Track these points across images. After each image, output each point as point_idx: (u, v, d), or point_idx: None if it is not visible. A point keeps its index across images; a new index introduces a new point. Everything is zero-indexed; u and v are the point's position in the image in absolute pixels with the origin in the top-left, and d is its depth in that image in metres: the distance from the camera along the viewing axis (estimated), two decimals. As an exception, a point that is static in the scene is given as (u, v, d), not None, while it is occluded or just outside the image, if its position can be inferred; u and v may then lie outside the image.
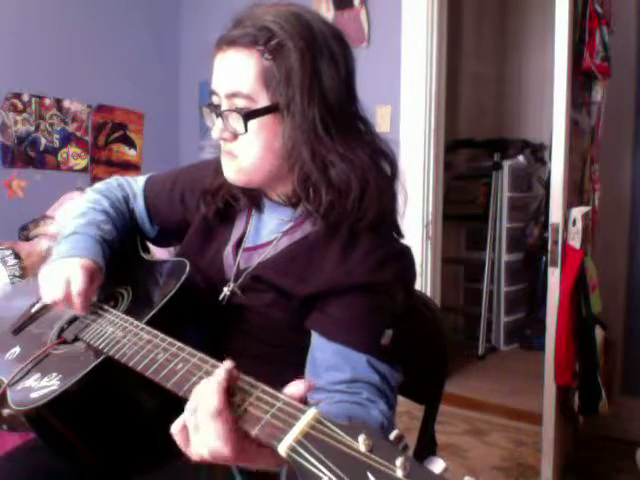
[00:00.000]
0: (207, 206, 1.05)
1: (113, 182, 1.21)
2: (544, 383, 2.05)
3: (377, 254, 0.90)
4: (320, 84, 0.89)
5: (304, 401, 0.61)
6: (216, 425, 0.60)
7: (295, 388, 0.62)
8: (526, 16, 4.05)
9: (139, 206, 1.18)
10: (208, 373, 0.69)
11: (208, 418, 0.60)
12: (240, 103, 0.89)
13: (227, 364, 0.65)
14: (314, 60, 0.88)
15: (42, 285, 0.98)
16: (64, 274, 0.95)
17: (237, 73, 0.89)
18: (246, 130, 0.89)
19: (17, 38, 2.95)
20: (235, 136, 0.92)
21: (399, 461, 0.48)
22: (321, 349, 0.88)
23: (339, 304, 0.88)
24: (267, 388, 0.63)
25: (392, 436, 0.52)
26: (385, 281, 0.89)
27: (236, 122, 0.90)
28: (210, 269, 1.02)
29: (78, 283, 0.94)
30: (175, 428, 0.65)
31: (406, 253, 0.95)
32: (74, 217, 1.10)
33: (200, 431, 0.61)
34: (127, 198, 1.19)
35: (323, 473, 0.51)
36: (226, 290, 0.98)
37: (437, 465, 0.48)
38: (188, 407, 0.63)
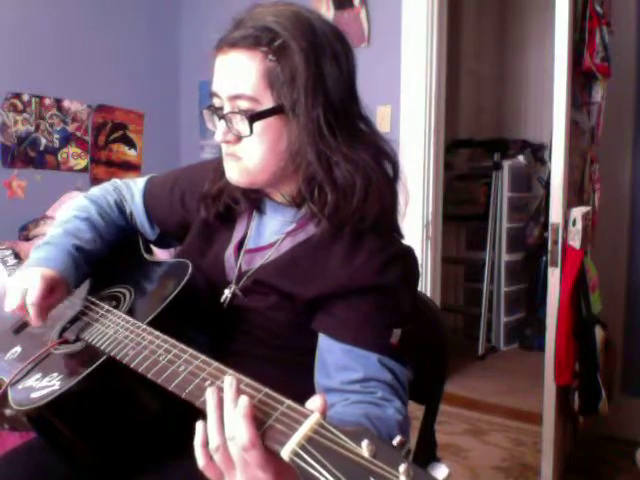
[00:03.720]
0: (207, 210, 1.04)
1: (109, 186, 1.20)
2: (544, 383, 2.05)
3: (381, 255, 0.90)
4: (324, 84, 0.88)
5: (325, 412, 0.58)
6: (252, 454, 0.58)
7: (314, 404, 0.59)
8: (526, 16, 4.05)
9: (138, 208, 1.17)
10: (211, 375, 0.68)
11: (245, 452, 0.58)
12: (243, 105, 0.88)
13: (231, 382, 0.62)
14: (318, 60, 0.88)
15: (6, 294, 0.99)
16: (23, 285, 0.96)
17: (240, 75, 0.88)
18: (251, 132, 0.88)
19: (17, 38, 2.94)
20: (239, 138, 0.91)
21: (402, 467, 0.48)
22: (330, 350, 0.88)
23: (345, 306, 0.88)
24: (270, 391, 0.62)
25: (395, 442, 0.52)
26: (390, 282, 0.89)
27: (240, 124, 0.89)
28: (211, 271, 1.01)
29: (33, 294, 0.94)
30: (202, 447, 0.62)
31: (409, 253, 0.95)
32: (56, 225, 1.10)
33: (243, 464, 0.59)
34: (122, 202, 1.18)
35: (326, 478, 0.51)
36: (227, 292, 0.97)
37: (440, 471, 0.48)
38: (228, 436, 0.60)
